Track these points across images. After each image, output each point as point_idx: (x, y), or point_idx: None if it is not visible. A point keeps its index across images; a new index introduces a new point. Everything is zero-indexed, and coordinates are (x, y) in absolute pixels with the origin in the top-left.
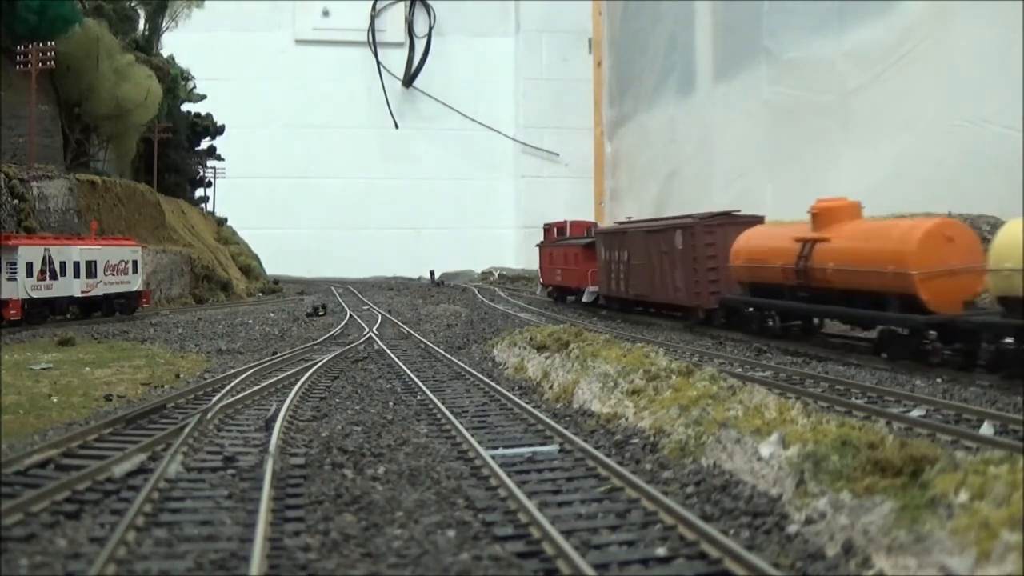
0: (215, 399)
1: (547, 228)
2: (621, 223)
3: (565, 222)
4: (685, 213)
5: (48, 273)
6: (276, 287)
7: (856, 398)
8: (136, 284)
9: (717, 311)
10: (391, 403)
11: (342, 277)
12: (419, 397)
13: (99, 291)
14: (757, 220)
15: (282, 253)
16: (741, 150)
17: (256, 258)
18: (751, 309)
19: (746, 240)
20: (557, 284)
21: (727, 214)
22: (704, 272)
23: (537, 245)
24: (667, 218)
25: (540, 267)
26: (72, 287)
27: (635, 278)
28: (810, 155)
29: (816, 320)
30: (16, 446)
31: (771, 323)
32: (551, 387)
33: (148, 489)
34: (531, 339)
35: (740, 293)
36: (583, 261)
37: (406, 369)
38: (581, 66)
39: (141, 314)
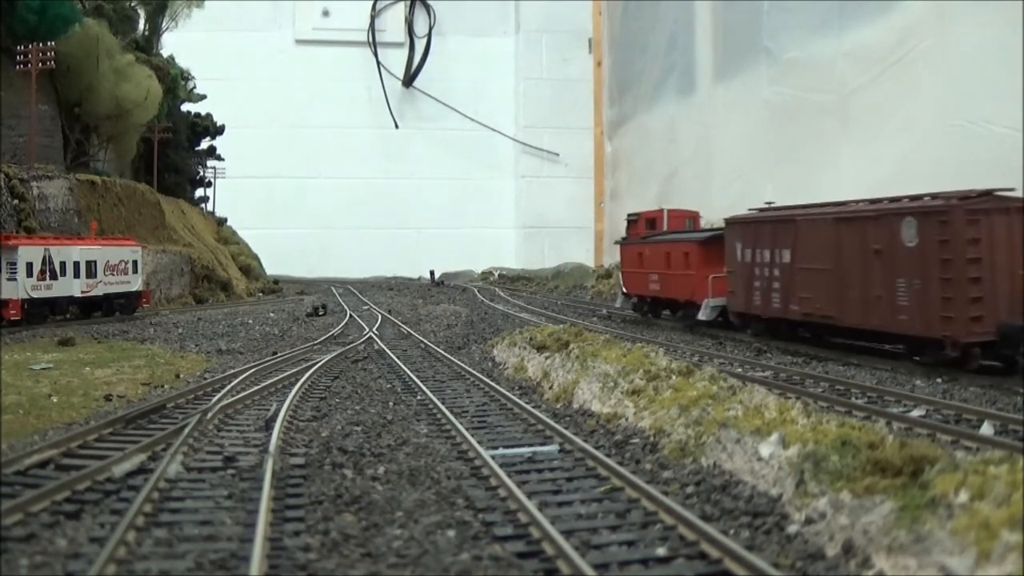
0: (215, 399)
1: (632, 220)
2: (763, 210)
3: (661, 210)
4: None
5: (48, 273)
6: (276, 287)
7: (856, 398)
8: (136, 284)
9: (976, 346)
10: (391, 403)
11: (342, 277)
12: (419, 397)
13: (99, 291)
14: None
15: (282, 253)
16: (741, 150)
17: (256, 258)
18: None
19: None
20: (652, 294)
21: (989, 194)
22: (963, 285)
23: (618, 242)
24: (875, 200)
25: (623, 271)
26: (72, 287)
27: (806, 289)
28: (810, 155)
29: None
30: (16, 446)
31: None
32: (551, 387)
33: (148, 489)
34: (531, 339)
35: None
36: (699, 263)
37: (406, 369)
38: (581, 66)
39: (141, 314)
